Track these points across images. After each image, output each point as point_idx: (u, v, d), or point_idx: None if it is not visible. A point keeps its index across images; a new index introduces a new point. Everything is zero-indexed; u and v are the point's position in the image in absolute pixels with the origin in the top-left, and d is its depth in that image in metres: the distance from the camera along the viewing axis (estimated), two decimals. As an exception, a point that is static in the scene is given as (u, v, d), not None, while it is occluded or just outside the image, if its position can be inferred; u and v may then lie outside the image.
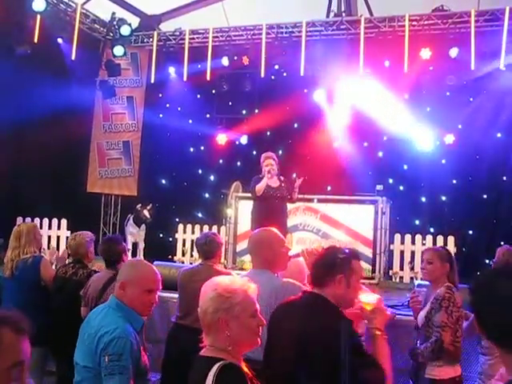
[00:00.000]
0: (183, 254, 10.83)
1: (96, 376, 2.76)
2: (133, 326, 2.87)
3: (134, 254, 9.88)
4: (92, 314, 3.03)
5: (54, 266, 5.52)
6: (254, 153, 11.21)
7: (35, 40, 9.42)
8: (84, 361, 2.84)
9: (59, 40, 10.13)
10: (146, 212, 10.39)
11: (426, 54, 9.67)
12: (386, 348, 2.70)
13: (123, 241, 4.94)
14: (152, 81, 11.36)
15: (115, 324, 2.81)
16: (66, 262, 5.52)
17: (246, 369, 2.35)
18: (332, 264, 2.85)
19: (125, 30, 10.45)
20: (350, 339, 2.56)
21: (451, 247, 9.11)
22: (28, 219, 10.25)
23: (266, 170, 7.29)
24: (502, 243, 7.63)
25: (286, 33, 10.56)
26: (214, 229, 10.34)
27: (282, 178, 7.49)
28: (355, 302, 2.83)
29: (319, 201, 9.63)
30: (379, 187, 9.44)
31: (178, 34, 11.19)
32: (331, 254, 2.89)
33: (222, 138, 11.59)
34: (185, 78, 10.93)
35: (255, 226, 7.28)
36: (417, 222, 10.53)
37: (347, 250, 2.90)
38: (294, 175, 8.21)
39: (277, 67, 10.79)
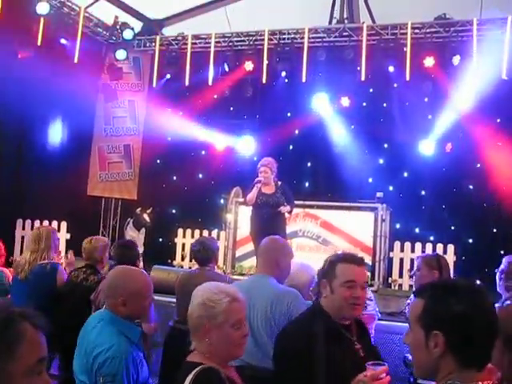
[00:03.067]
0: (182, 259, 10.81)
1: None
2: (129, 338, 2.82)
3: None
4: (87, 325, 2.99)
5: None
6: (255, 158, 11.22)
7: (39, 43, 9.44)
8: (81, 375, 2.83)
9: (62, 43, 10.16)
10: (145, 216, 10.39)
11: (428, 62, 9.68)
12: None
13: (137, 246, 4.93)
14: (154, 85, 11.38)
15: (110, 342, 2.75)
16: (77, 265, 5.52)
17: (231, 375, 2.34)
18: (319, 270, 2.81)
19: (127, 34, 10.48)
20: (287, 349, 2.54)
21: (451, 256, 9.09)
22: (28, 221, 10.26)
23: (257, 179, 7.26)
24: (502, 252, 7.62)
25: (288, 39, 10.57)
26: (214, 234, 10.34)
27: (279, 184, 7.43)
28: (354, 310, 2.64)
29: (319, 207, 9.63)
30: (379, 194, 9.43)
31: (180, 38, 11.20)
32: (324, 260, 2.80)
33: (222, 143, 11.59)
34: (186, 83, 10.94)
35: (253, 232, 7.30)
36: (417, 230, 10.51)
37: (337, 254, 2.78)
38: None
39: (284, 74, 10.76)
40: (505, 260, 5.12)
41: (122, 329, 2.82)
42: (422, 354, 1.68)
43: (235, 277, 5.63)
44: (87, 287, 4.80)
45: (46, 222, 10.34)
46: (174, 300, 5.08)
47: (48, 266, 5.11)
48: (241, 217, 9.73)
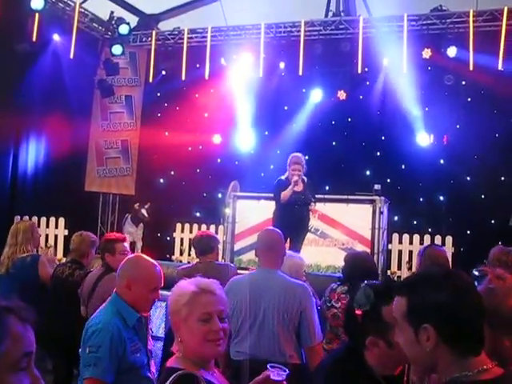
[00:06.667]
0: (181, 253, 10.82)
1: None
2: (126, 320, 2.88)
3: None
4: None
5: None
6: (252, 152, 11.23)
7: (34, 39, 9.41)
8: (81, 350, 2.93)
9: (57, 38, 10.14)
10: (143, 211, 10.39)
11: (424, 53, 9.68)
12: None
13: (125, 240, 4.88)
14: (150, 80, 11.37)
15: (102, 317, 2.86)
16: (63, 260, 5.54)
17: (213, 379, 2.16)
18: (347, 322, 2.39)
19: (123, 29, 10.45)
20: None
21: (449, 247, 9.11)
22: (26, 217, 10.23)
23: (294, 180, 7.17)
24: (500, 243, 7.64)
25: (284, 32, 10.55)
26: (212, 228, 10.35)
27: (305, 180, 7.41)
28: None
29: (317, 200, 9.61)
30: (377, 187, 9.43)
31: (176, 33, 11.19)
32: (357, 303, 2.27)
33: (219, 138, 11.58)
34: (183, 78, 10.93)
35: (279, 229, 7.27)
36: (415, 222, 10.53)
37: (372, 289, 2.17)
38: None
39: (280, 67, 10.74)
40: (491, 252, 5.15)
41: (121, 309, 2.89)
42: (416, 351, 1.67)
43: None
44: (73, 282, 4.82)
45: (43, 219, 10.35)
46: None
47: (28, 257, 5.16)
48: (239, 211, 9.73)
